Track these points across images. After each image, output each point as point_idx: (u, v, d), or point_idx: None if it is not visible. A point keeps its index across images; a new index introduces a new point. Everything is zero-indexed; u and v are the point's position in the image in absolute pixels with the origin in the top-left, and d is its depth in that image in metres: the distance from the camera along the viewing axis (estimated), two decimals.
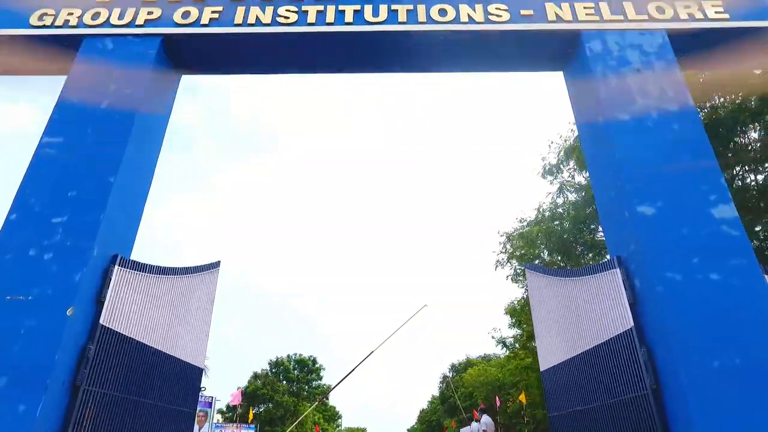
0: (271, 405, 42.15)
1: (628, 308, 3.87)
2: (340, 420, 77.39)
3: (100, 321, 3.80)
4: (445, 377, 45.12)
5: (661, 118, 4.27)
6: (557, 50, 5.02)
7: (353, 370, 22.80)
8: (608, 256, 13.17)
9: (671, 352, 3.40)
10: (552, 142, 13.63)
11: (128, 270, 4.17)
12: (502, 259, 15.08)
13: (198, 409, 17.92)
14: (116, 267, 4.02)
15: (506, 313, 19.23)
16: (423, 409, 73.65)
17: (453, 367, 48.57)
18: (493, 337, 20.03)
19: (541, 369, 5.56)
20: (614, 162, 4.18)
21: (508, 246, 14.82)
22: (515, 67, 5.50)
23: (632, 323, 3.80)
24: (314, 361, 50.21)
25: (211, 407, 17.33)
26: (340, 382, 23.50)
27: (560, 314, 5.04)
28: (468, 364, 44.43)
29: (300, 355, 49.96)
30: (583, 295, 4.53)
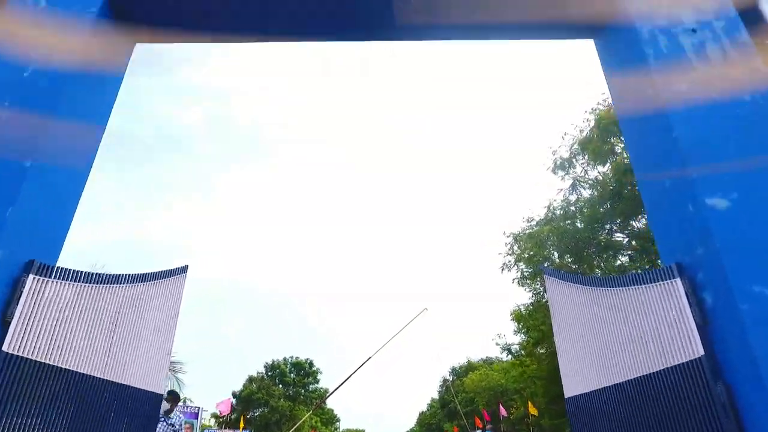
0: (266, 409, 41.11)
1: (695, 330, 2.97)
2: (338, 423, 76.30)
3: (3, 347, 2.90)
4: (445, 381, 44.18)
5: (727, 86, 3.37)
6: (589, 10, 4.13)
7: (350, 376, 21.80)
8: (623, 259, 12.06)
9: (764, 394, 2.51)
10: (565, 134, 12.67)
11: (51, 279, 3.27)
12: (509, 261, 14.14)
13: (183, 420, 16.87)
14: (30, 276, 3.11)
15: (512, 318, 18.27)
16: (422, 412, 72.62)
17: (453, 371, 47.61)
18: (497, 344, 19.12)
19: (566, 395, 4.66)
20: (671, 142, 3.28)
21: (515, 247, 13.85)
22: (534, 33, 4.61)
23: (702, 350, 2.90)
24: (311, 364, 49.06)
25: (197, 418, 16.54)
26: (337, 388, 22.53)
27: (592, 332, 4.14)
28: (469, 367, 43.46)
29: (296, 357, 48.85)
30: (628, 311, 3.63)
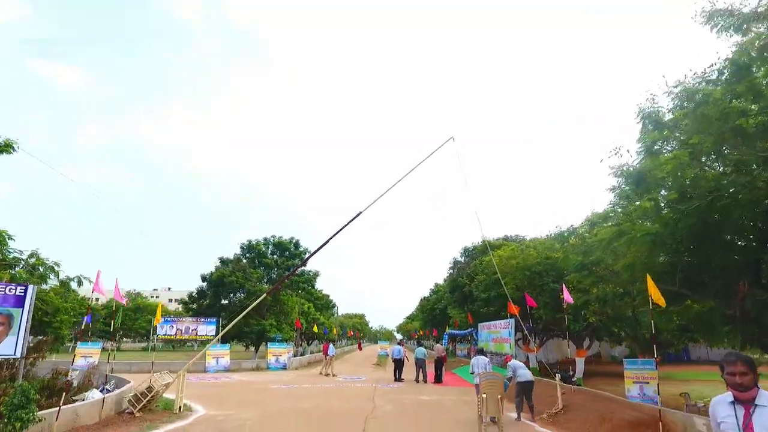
0: (242, 294, 34.45)
1: None
2: (335, 309, 72.51)
3: None
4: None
5: None
6: None
7: (342, 228, 15.35)
8: None
9: None
10: None
11: None
12: None
13: None
14: None
15: (644, 120, 9.20)
16: (424, 297, 68.25)
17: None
18: (610, 167, 10.25)
19: None
20: None
21: None
22: None
23: None
24: (296, 245, 41.30)
25: (22, 306, 8.57)
26: (325, 243, 16.00)
27: None
28: (485, 246, 36.13)
29: (279, 237, 41.11)
30: None
